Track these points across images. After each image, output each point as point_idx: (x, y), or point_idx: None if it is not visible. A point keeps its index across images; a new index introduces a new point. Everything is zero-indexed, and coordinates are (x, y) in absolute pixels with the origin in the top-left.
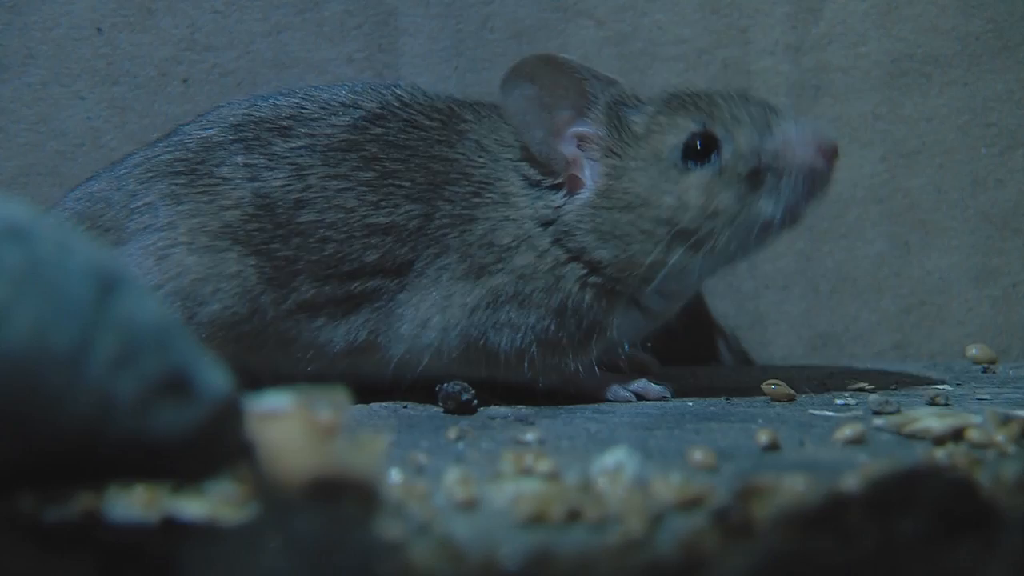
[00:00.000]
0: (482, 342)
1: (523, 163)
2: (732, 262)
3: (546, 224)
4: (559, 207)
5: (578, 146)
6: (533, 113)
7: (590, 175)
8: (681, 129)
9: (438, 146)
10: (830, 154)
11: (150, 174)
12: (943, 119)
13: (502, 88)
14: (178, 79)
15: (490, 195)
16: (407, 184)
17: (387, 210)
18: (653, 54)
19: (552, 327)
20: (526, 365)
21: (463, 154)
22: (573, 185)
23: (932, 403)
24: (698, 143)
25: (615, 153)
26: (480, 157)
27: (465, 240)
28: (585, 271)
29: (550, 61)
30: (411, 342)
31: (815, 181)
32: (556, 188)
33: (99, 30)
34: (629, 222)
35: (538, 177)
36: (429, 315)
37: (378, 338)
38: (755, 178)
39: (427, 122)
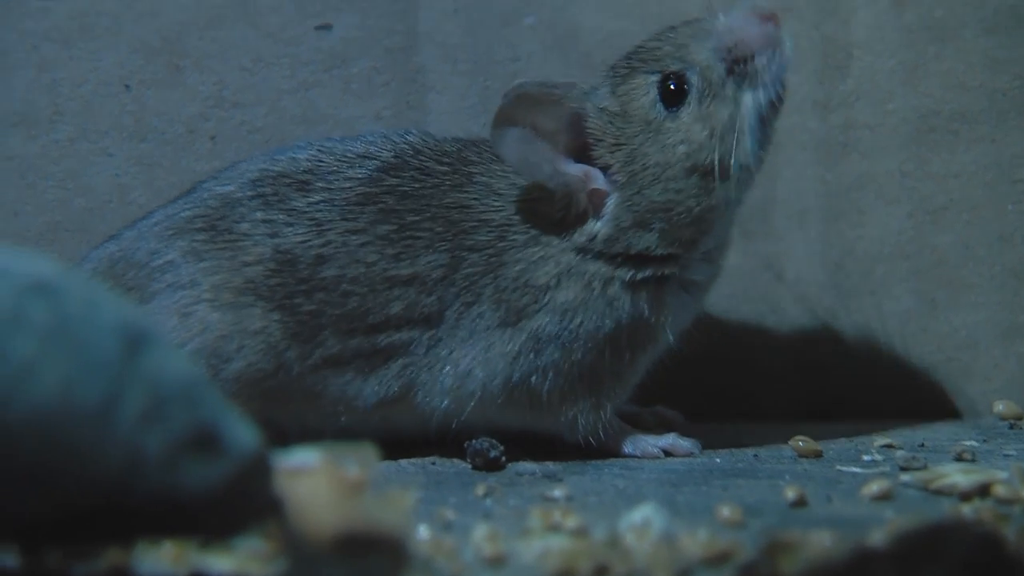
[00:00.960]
0: (525, 387)
1: (540, 202)
2: (759, 167)
3: (586, 251)
4: (596, 233)
5: (578, 159)
6: (532, 151)
7: (606, 177)
8: (645, 86)
9: (451, 192)
10: (771, 16)
11: (171, 232)
12: (970, 176)
13: (493, 143)
14: (206, 136)
15: (515, 237)
16: (426, 234)
17: (408, 261)
18: None
19: (597, 358)
20: (564, 407)
21: (477, 199)
22: (595, 199)
23: (959, 459)
24: (671, 85)
25: (614, 145)
26: (495, 201)
27: (498, 286)
28: (632, 272)
29: (518, 97)
30: (454, 393)
31: (775, 44)
32: (581, 214)
33: (127, 87)
34: (661, 191)
35: (561, 213)
36: (471, 366)
37: (414, 390)
38: (731, 79)
39: (438, 167)
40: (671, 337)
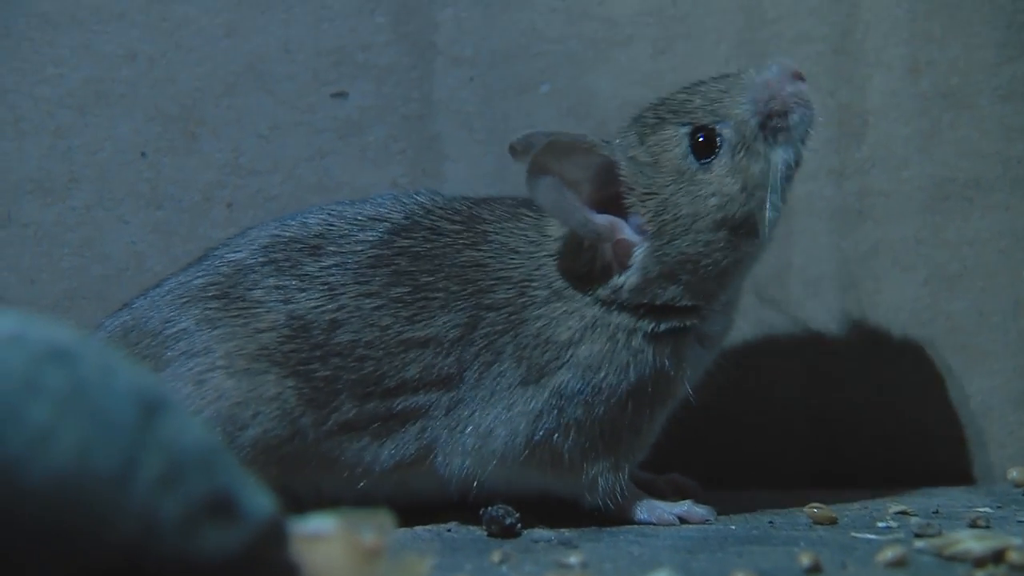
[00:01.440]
0: (547, 445)
1: (563, 257)
2: (780, 220)
3: (611, 303)
4: (621, 286)
5: (607, 210)
6: (565, 198)
7: (634, 227)
8: (677, 138)
9: (466, 251)
10: (798, 74)
11: (183, 300)
12: (985, 243)
13: (528, 189)
14: (222, 203)
15: (536, 293)
16: (441, 294)
17: (423, 323)
18: None
19: (619, 413)
20: (584, 467)
21: (493, 257)
22: (620, 251)
23: (973, 525)
24: (700, 138)
25: (645, 194)
26: (513, 259)
27: (519, 343)
28: (655, 323)
29: (548, 146)
30: (475, 454)
31: (807, 104)
32: (606, 267)
33: (143, 154)
34: (691, 242)
35: (586, 267)
36: (493, 425)
37: (433, 453)
38: (762, 135)
39: (450, 227)
40: (688, 389)
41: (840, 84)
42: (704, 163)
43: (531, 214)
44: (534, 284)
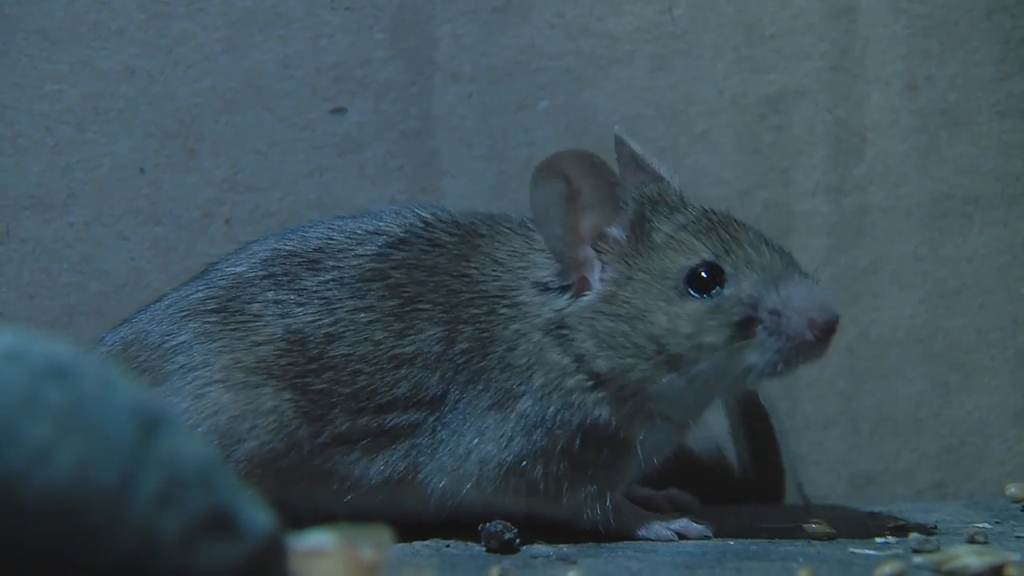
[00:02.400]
0: (519, 472)
1: (534, 268)
2: (722, 395)
3: (551, 330)
4: (562, 309)
5: (597, 247)
6: (557, 209)
7: (598, 278)
8: (694, 253)
9: (456, 262)
10: (827, 330)
11: (183, 313)
12: (983, 260)
13: (533, 179)
14: (221, 220)
15: (504, 310)
16: (428, 307)
17: (411, 337)
18: (695, 195)
19: (580, 449)
20: (564, 495)
21: (477, 269)
22: (582, 287)
23: (971, 541)
24: (703, 273)
25: (627, 263)
26: (494, 270)
27: (488, 365)
28: (591, 383)
29: (584, 159)
30: (452, 475)
31: (804, 351)
32: (565, 290)
33: (142, 170)
34: (623, 333)
35: (548, 280)
36: (469, 449)
37: (417, 472)
38: (747, 327)
39: (447, 239)
40: (648, 456)
41: (838, 101)
42: (687, 290)
43: (530, 227)
44: (504, 299)
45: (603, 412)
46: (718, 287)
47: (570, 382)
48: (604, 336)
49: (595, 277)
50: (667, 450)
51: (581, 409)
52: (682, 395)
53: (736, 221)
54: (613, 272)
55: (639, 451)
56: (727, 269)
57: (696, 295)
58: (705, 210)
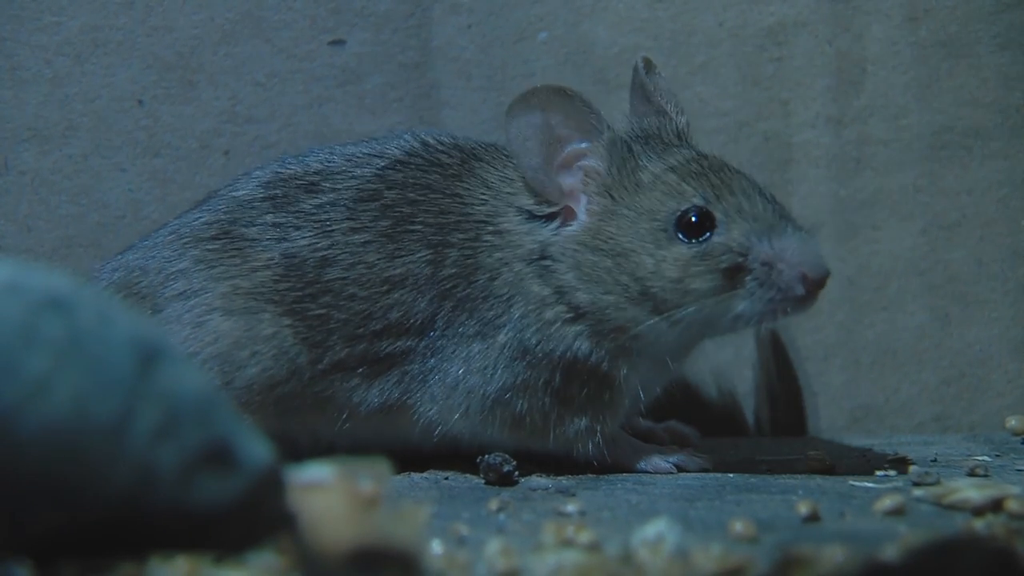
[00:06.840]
0: (505, 404)
1: (521, 195)
2: (706, 337)
3: (533, 260)
4: (545, 239)
5: (583, 180)
6: (535, 141)
7: (584, 210)
8: (685, 197)
9: (450, 181)
10: (815, 284)
11: (183, 240)
12: (983, 191)
13: (508, 113)
14: (219, 151)
15: (488, 237)
16: (418, 227)
17: (402, 259)
18: (695, 126)
19: (563, 384)
20: (552, 429)
21: (467, 190)
22: (567, 217)
23: (972, 474)
24: (693, 218)
25: (611, 195)
26: (483, 194)
27: (472, 293)
28: (571, 315)
29: (559, 92)
30: (441, 404)
31: (793, 303)
32: (550, 219)
33: (140, 102)
34: (606, 268)
35: (533, 207)
36: (456, 379)
37: (410, 400)
38: (735, 275)
39: (447, 159)
40: (634, 392)
41: (838, 32)
42: (676, 234)
43: None
44: (489, 225)
45: (583, 346)
46: (708, 233)
47: (549, 314)
48: (586, 269)
49: (580, 208)
50: (655, 386)
51: (562, 342)
52: (664, 337)
53: (729, 167)
54: (598, 206)
55: (623, 387)
56: (718, 216)
57: (684, 239)
58: (699, 154)
